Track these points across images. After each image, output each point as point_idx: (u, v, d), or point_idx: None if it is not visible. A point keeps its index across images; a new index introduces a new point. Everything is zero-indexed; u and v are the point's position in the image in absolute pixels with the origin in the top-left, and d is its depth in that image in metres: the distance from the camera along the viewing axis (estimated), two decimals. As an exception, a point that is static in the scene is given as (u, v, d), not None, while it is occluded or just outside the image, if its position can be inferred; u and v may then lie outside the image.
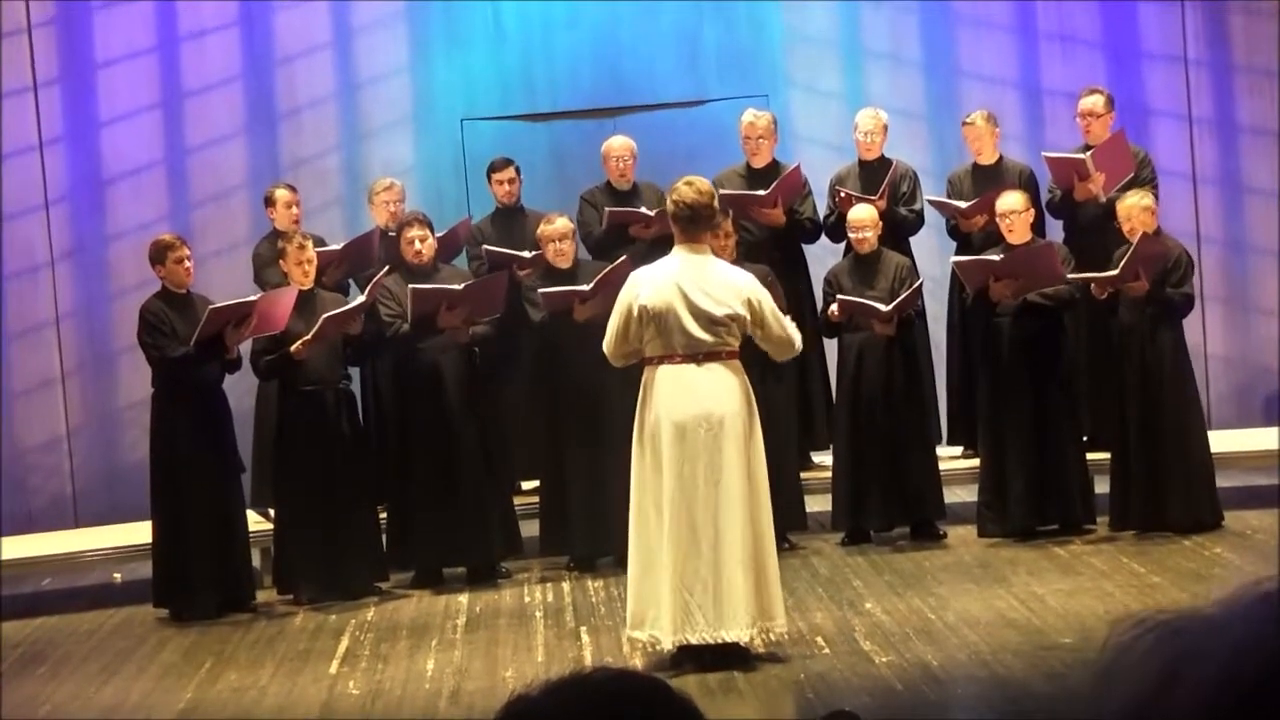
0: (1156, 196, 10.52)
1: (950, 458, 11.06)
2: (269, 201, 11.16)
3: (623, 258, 9.93)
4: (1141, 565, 9.43)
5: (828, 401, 10.98)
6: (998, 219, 10.27)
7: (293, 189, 11.23)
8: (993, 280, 10.08)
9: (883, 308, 10.17)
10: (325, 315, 9.78)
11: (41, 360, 12.28)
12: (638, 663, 8.09)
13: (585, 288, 9.97)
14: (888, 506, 10.35)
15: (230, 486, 10.04)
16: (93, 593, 10.88)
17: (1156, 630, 1.26)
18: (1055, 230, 11.03)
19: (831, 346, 10.81)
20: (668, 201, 8.12)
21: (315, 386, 9.95)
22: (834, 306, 10.32)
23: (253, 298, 9.99)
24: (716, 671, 7.90)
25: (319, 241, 10.64)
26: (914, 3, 12.71)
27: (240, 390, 10.62)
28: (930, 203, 11.08)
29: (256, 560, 10.35)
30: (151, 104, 12.45)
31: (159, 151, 12.45)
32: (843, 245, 10.94)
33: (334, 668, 8.73)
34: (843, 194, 10.91)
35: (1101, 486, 10.38)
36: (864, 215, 10.50)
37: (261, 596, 10.12)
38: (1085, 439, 10.51)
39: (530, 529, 10.48)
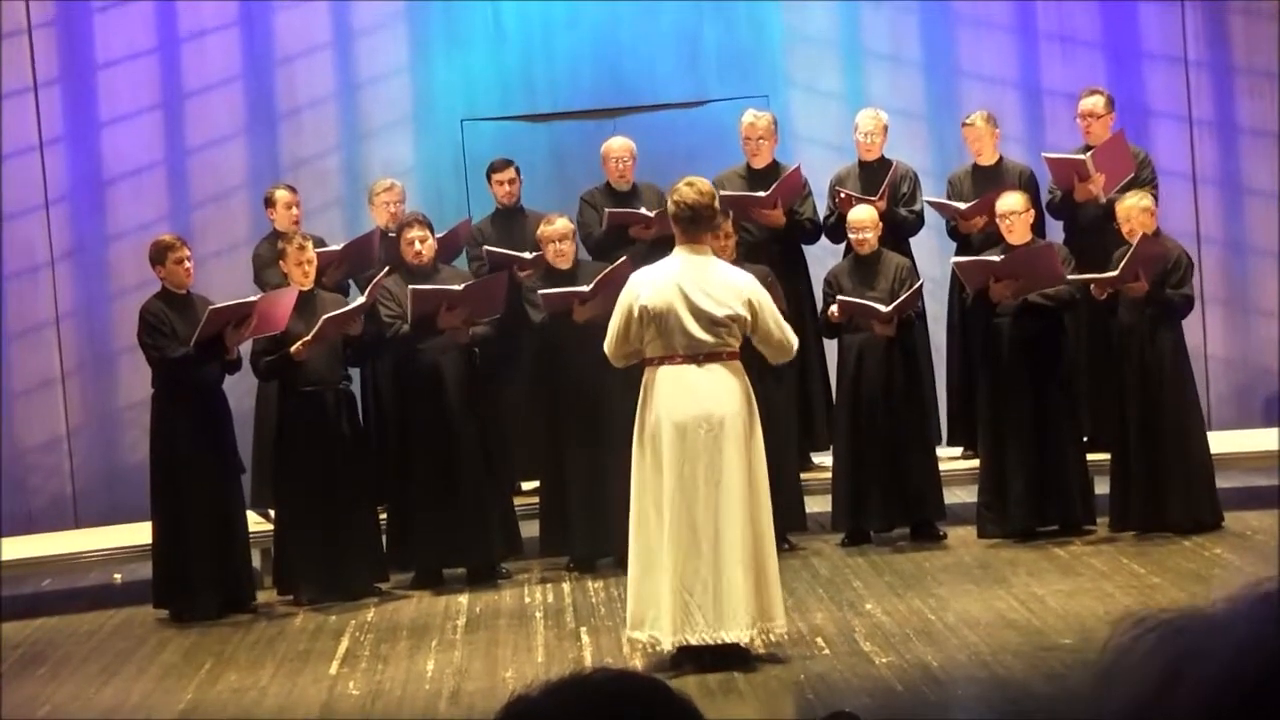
0: (1156, 197, 10.52)
1: (950, 458, 11.05)
2: (269, 202, 11.16)
3: (623, 259, 9.92)
4: (1141, 566, 9.43)
5: (828, 402, 10.98)
6: (998, 220, 10.27)
7: (293, 190, 11.23)
8: (993, 281, 10.09)
9: (883, 308, 10.17)
10: (325, 316, 9.78)
11: (41, 360, 12.28)
12: (638, 663, 8.09)
13: (585, 289, 9.97)
14: (888, 507, 10.35)
15: (230, 487, 10.04)
16: (93, 593, 10.87)
17: (1159, 629, 1.26)
18: (1055, 231, 11.03)
19: (831, 347, 10.81)
20: (668, 202, 8.12)
21: (315, 387, 9.95)
22: (834, 307, 10.31)
23: (253, 298, 9.99)
24: (716, 672, 7.90)
25: (319, 242, 10.64)
26: (914, 3, 12.71)
27: (240, 391, 10.62)
28: (930, 204, 11.08)
29: (256, 561, 10.35)
30: (152, 104, 12.45)
31: (159, 152, 12.45)
32: (843, 246, 10.93)
33: (334, 668, 8.73)
34: (843, 195, 10.91)
35: (1101, 487, 10.38)
36: (864, 216, 10.50)
37: (261, 597, 10.12)
38: (1085, 440, 10.51)
39: (530, 529, 10.48)
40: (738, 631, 7.86)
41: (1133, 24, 12.68)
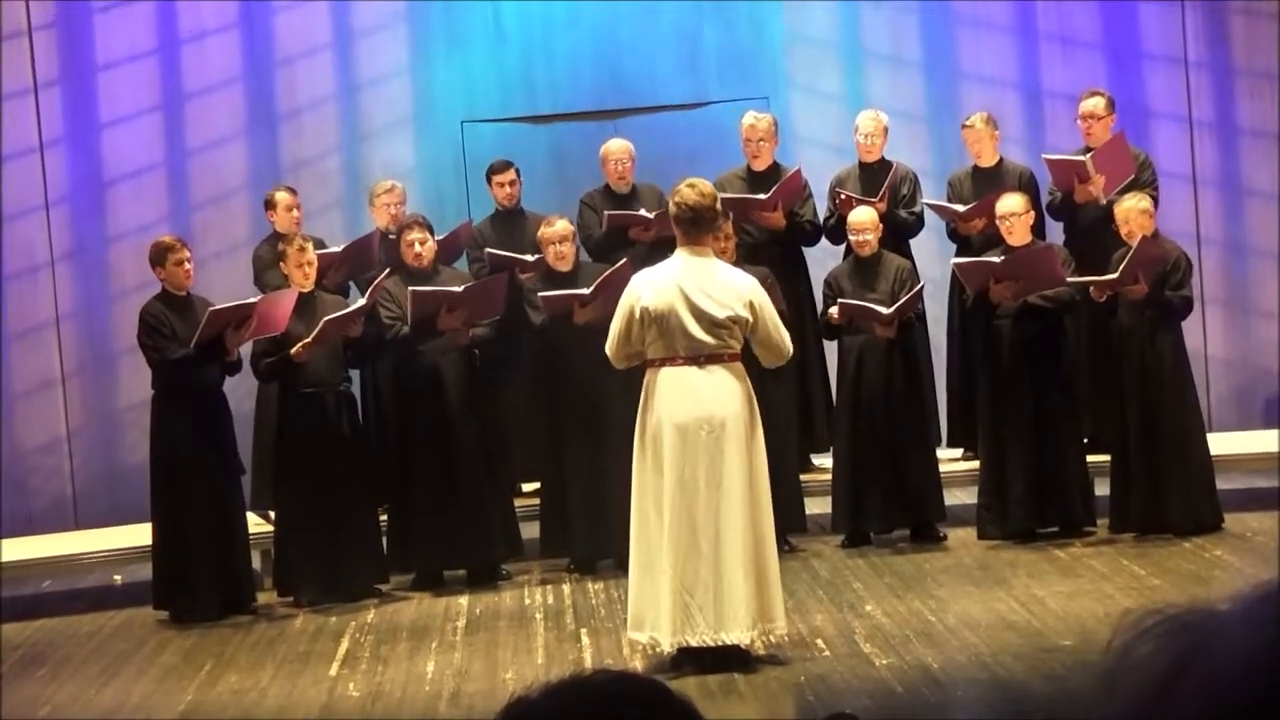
0: (1157, 199, 10.53)
1: (950, 460, 11.05)
2: (269, 204, 11.16)
3: (623, 260, 9.93)
4: (1142, 567, 9.43)
5: (828, 404, 10.97)
6: (998, 221, 10.27)
7: (293, 192, 11.23)
8: (993, 282, 10.09)
9: (884, 310, 10.17)
10: (326, 318, 9.78)
11: (42, 362, 12.28)
12: (638, 665, 8.10)
13: (585, 291, 9.97)
14: (888, 509, 10.35)
15: (230, 488, 10.04)
16: (93, 594, 10.87)
17: (1166, 624, 1.26)
18: (1055, 232, 11.03)
19: (831, 349, 10.81)
20: (670, 203, 8.12)
21: (315, 389, 9.95)
22: (834, 309, 10.31)
23: (253, 300, 9.99)
24: (717, 673, 7.90)
25: (319, 244, 10.64)
26: (914, 4, 12.71)
27: (240, 392, 10.62)
28: (929, 206, 11.08)
29: (257, 562, 10.35)
30: (152, 105, 12.45)
31: (159, 153, 12.45)
32: (843, 248, 10.93)
33: (334, 670, 8.73)
34: (843, 196, 10.91)
35: (1102, 488, 10.38)
36: (864, 218, 10.50)
37: (262, 598, 10.12)
38: (1085, 441, 10.51)
39: (530, 531, 10.48)
40: (738, 633, 7.86)
41: (1133, 25, 12.68)
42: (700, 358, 7.92)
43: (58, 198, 12.29)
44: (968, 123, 11.17)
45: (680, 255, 8.02)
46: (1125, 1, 12.67)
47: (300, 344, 9.73)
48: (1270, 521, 9.99)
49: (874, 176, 11.08)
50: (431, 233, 10.46)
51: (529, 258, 10.63)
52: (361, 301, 10.10)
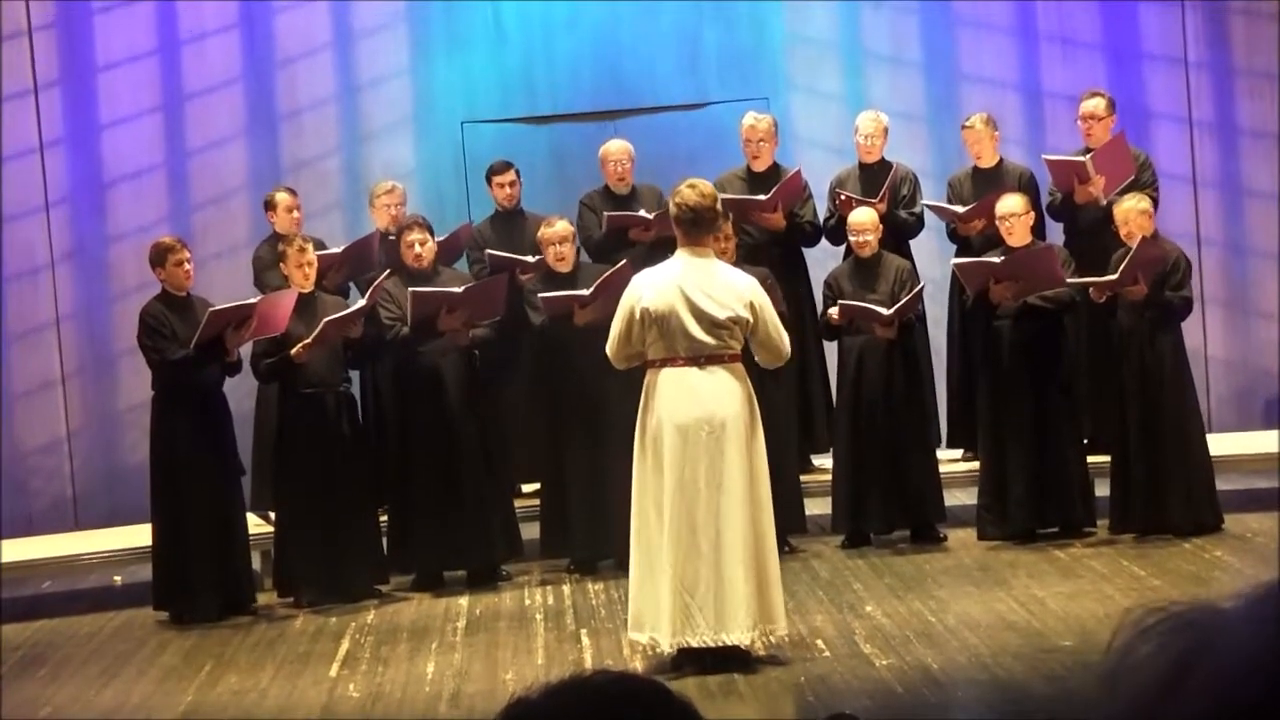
0: (1157, 200, 10.53)
1: (950, 460, 11.05)
2: (269, 205, 11.16)
3: (623, 261, 9.93)
4: (1142, 568, 9.43)
5: (828, 404, 10.97)
6: (998, 222, 10.27)
7: (293, 193, 11.23)
8: (993, 282, 10.09)
9: (884, 311, 10.17)
10: (326, 319, 9.78)
11: (42, 362, 12.28)
12: (638, 665, 8.10)
13: (585, 292, 9.97)
14: (888, 509, 10.35)
15: (230, 489, 10.04)
16: (93, 595, 10.87)
17: (1167, 623, 1.26)
18: (1055, 233, 11.02)
19: (831, 349, 10.81)
20: (670, 204, 8.12)
21: (316, 389, 9.95)
22: (834, 310, 10.31)
23: (253, 300, 10.00)
24: (717, 674, 7.90)
25: (319, 244, 10.64)
26: (914, 4, 12.71)
27: (240, 393, 10.62)
28: (929, 207, 11.08)
29: (257, 563, 10.35)
30: (152, 106, 12.45)
31: (159, 154, 12.45)
32: (843, 248, 10.93)
33: (334, 670, 8.73)
34: (843, 197, 10.91)
35: (1102, 489, 10.38)
36: (864, 218, 10.49)
37: (262, 599, 10.12)
38: (1085, 442, 10.51)
39: (531, 531, 10.48)
40: (738, 633, 7.86)
41: (1133, 25, 12.68)
42: (700, 358, 7.92)
43: (58, 198, 12.29)
44: (967, 123, 11.17)
45: (680, 256, 8.02)
46: (1125, 2, 12.67)
47: (300, 345, 9.73)
48: (1270, 522, 9.99)
49: (874, 177, 11.08)
50: (431, 233, 10.46)
51: (529, 259, 10.63)
52: (361, 302, 10.10)
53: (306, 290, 10.02)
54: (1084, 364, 10.66)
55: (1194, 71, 12.62)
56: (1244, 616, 1.24)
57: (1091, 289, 9.99)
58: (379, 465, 10.28)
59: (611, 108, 12.54)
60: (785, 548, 9.79)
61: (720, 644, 7.87)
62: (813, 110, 12.63)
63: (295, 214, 11.05)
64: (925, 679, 7.74)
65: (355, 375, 10.52)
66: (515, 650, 8.84)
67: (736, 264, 9.06)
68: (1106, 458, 10.23)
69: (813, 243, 11.21)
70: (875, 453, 10.31)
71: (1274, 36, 12.46)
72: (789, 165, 11.16)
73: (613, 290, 8.96)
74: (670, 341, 7.92)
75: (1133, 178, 10.65)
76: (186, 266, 10.08)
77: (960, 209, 10.80)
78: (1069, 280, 10.06)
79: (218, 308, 9.79)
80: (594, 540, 10.10)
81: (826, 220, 11.12)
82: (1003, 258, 10.16)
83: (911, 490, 10.30)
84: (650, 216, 10.66)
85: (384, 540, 10.23)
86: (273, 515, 10.37)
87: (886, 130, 11.27)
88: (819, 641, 8.44)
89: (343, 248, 10.89)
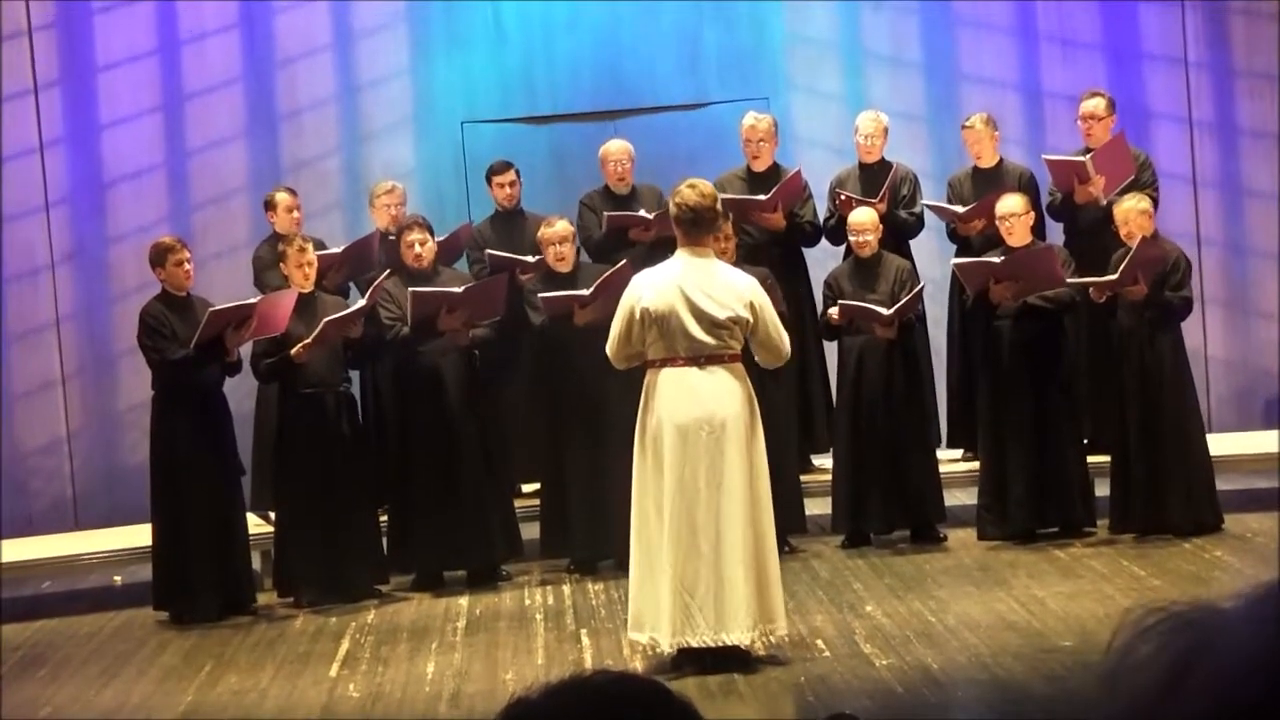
0: (1157, 200, 10.53)
1: (950, 460, 11.05)
2: (269, 206, 11.16)
3: (622, 261, 9.93)
4: (1142, 568, 9.43)
5: (828, 404, 10.97)
6: (997, 221, 10.27)
7: (293, 193, 11.23)
8: (993, 282, 10.09)
9: (884, 311, 10.17)
10: (326, 319, 9.79)
11: (42, 362, 12.28)
12: (638, 665, 8.10)
13: (585, 292, 9.97)
14: (888, 509, 10.35)
15: (230, 489, 10.04)
16: (93, 595, 10.87)
17: (1168, 622, 1.26)
18: (1055, 233, 11.02)
19: (831, 349, 10.81)
20: (670, 204, 8.12)
21: (315, 389, 9.95)
22: (834, 310, 10.31)
23: (253, 300, 10.00)
24: (717, 674, 7.90)
25: (319, 245, 10.64)
26: (914, 5, 12.71)
27: (240, 393, 10.62)
28: (929, 207, 11.08)
29: (257, 563, 10.35)
30: (152, 106, 12.45)
31: (159, 154, 12.45)
32: (843, 248, 10.93)
33: (334, 670, 8.73)
34: (843, 197, 10.91)
35: (1102, 489, 10.38)
36: (864, 218, 10.50)
37: (262, 599, 10.12)
38: (1085, 442, 10.51)
39: (531, 531, 10.48)
40: (738, 633, 7.86)
41: (1133, 26, 12.68)
42: (700, 358, 7.92)
43: (58, 198, 12.29)
44: (968, 123, 11.17)
45: (681, 256, 8.02)
46: (1125, 2, 12.67)
47: (300, 345, 9.73)
48: (1270, 522, 9.99)
49: (874, 177, 11.08)
50: (431, 233, 10.46)
51: (529, 258, 10.63)
52: (362, 302, 10.10)
53: (306, 290, 10.02)
54: (1084, 364, 10.66)
55: (1194, 71, 12.62)
56: (1244, 616, 1.24)
57: (1091, 289, 9.99)
58: (379, 465, 10.28)
59: (611, 108, 12.54)
60: (785, 548, 9.79)
61: (720, 644, 7.87)
62: (813, 110, 12.63)
63: (295, 214, 11.05)
64: (925, 679, 7.74)
65: (355, 375, 10.52)
66: (515, 650, 8.84)
67: (736, 264, 9.06)
68: (1106, 458, 10.23)
69: (813, 243, 11.20)
70: (875, 453, 10.31)
71: (1274, 36, 12.46)
72: (789, 165, 11.16)
73: (613, 290, 8.95)
74: (670, 341, 7.92)
75: (1133, 178, 10.65)
76: (186, 266, 10.08)
77: (960, 209, 10.80)
78: (1069, 280, 10.06)
79: (218, 308, 9.79)
80: (594, 540, 10.10)
81: (826, 220, 11.12)
82: (1003, 258, 10.16)
83: (911, 490, 10.30)
84: (650, 216, 10.66)
85: (384, 540, 10.23)
86: (273, 515, 10.37)
87: (886, 130, 11.27)
88: (819, 641, 8.44)
89: (343, 248, 10.89)
